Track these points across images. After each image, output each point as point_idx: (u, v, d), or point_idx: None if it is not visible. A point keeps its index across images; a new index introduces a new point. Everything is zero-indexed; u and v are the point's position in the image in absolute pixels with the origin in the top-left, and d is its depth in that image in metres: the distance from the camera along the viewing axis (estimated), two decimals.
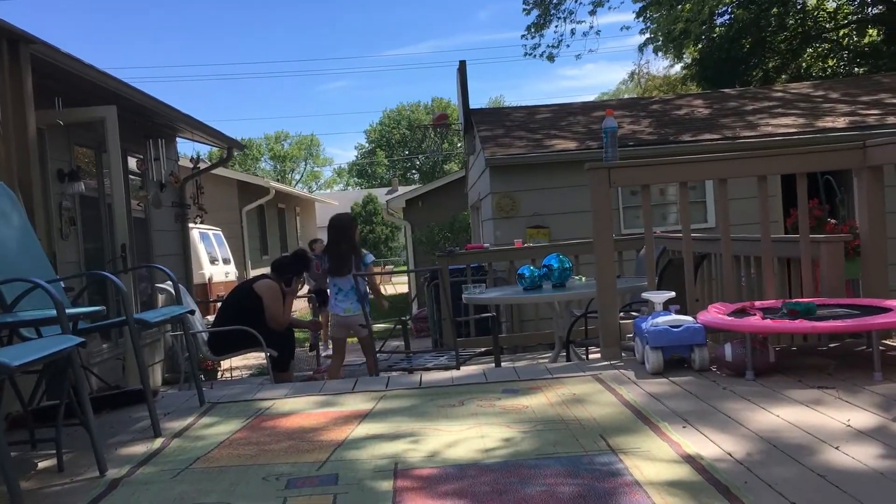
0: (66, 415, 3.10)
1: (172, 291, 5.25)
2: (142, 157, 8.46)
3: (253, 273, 16.56)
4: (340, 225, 6.57)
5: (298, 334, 8.60)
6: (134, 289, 7.10)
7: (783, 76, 22.07)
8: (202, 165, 10.11)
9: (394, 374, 5.37)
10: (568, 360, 5.55)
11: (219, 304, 7.20)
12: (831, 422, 2.91)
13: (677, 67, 27.27)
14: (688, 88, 25.67)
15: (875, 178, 4.37)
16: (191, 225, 10.70)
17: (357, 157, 70.75)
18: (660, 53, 20.95)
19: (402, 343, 6.72)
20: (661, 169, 4.66)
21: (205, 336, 6.26)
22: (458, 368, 5.04)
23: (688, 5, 13.10)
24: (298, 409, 3.82)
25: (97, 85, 6.51)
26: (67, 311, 3.21)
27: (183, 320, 4.20)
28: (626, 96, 40.34)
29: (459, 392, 3.90)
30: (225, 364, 9.90)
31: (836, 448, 2.61)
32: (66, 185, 6.50)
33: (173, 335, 7.60)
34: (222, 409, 3.93)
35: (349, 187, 68.09)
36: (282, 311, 6.37)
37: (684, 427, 2.98)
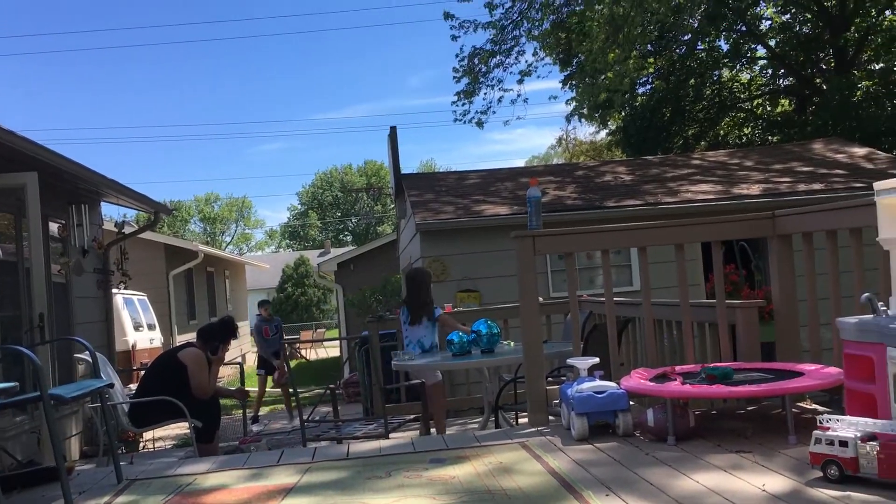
0: None
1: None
2: (64, 222, 8.27)
3: (179, 339, 16.18)
4: (419, 277, 6.61)
5: (224, 402, 8.40)
6: (52, 359, 6.87)
7: (702, 143, 23.00)
8: (127, 230, 9.93)
9: (322, 443, 5.30)
10: (497, 426, 5.56)
11: (142, 373, 7.00)
12: (748, 487, 2.99)
13: (603, 134, 28.20)
14: (613, 154, 26.51)
15: (785, 246, 4.58)
16: (114, 290, 10.44)
17: (289, 218, 70.43)
18: (585, 121, 21.61)
19: (332, 410, 6.64)
20: (584, 237, 4.80)
21: (125, 407, 6.07)
22: (388, 437, 5.00)
23: (610, 74, 13.61)
24: (222, 484, 3.72)
25: (16, 150, 6.39)
26: None
27: (101, 394, 4.08)
28: (555, 161, 41.38)
29: (387, 463, 3.87)
30: (148, 435, 9.57)
31: None
32: None
33: (92, 407, 7.34)
34: (141, 487, 3.81)
35: (281, 249, 67.55)
36: (207, 381, 6.23)
37: (608, 496, 3.02)
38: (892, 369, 3.04)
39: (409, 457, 3.98)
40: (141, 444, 9.36)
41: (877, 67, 21.01)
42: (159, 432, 9.71)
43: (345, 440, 5.09)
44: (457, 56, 17.21)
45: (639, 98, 22.68)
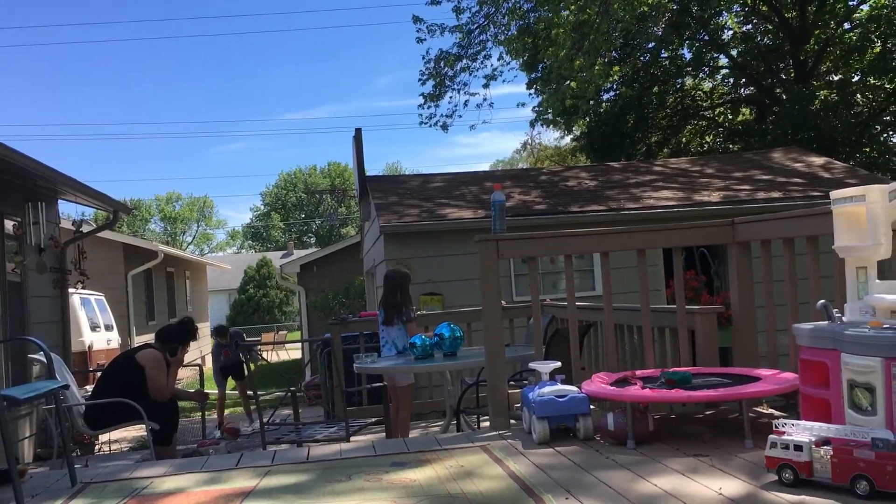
0: None
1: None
2: (19, 220, 8.10)
3: (138, 340, 15.94)
4: (396, 278, 6.51)
5: (183, 404, 8.30)
6: (6, 360, 6.72)
7: (665, 150, 23.28)
8: (85, 229, 9.76)
9: (283, 446, 5.25)
10: (458, 429, 5.56)
11: (99, 374, 6.88)
12: (705, 490, 3.03)
13: (568, 139, 28.42)
14: (578, 159, 26.73)
15: (743, 253, 4.65)
16: (71, 290, 10.25)
17: (252, 219, 69.81)
18: (550, 126, 21.77)
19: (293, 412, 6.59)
20: (547, 242, 4.82)
21: (81, 408, 5.96)
22: (349, 440, 4.97)
23: (573, 83, 13.73)
24: (179, 487, 3.67)
25: None
26: None
27: (56, 395, 4.00)
28: (520, 165, 41.57)
29: (347, 466, 3.85)
30: (104, 437, 9.41)
31: None
32: None
33: (46, 408, 7.20)
34: (95, 490, 3.74)
35: (243, 250, 66.91)
36: (165, 382, 6.15)
37: (567, 499, 3.03)
38: (846, 375, 3.09)
39: (370, 460, 3.96)
40: (97, 447, 9.20)
41: (835, 78, 21.46)
42: (116, 434, 9.55)
43: (305, 443, 5.05)
44: (423, 59, 17.26)
45: (603, 105, 22.91)
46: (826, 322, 3.38)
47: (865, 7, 20.19)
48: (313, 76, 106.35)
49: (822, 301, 3.43)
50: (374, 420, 6.75)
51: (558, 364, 4.30)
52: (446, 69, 17.23)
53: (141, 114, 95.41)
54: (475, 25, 16.51)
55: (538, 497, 3.07)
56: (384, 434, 5.95)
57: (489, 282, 4.57)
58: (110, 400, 5.80)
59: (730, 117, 24.72)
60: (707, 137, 24.74)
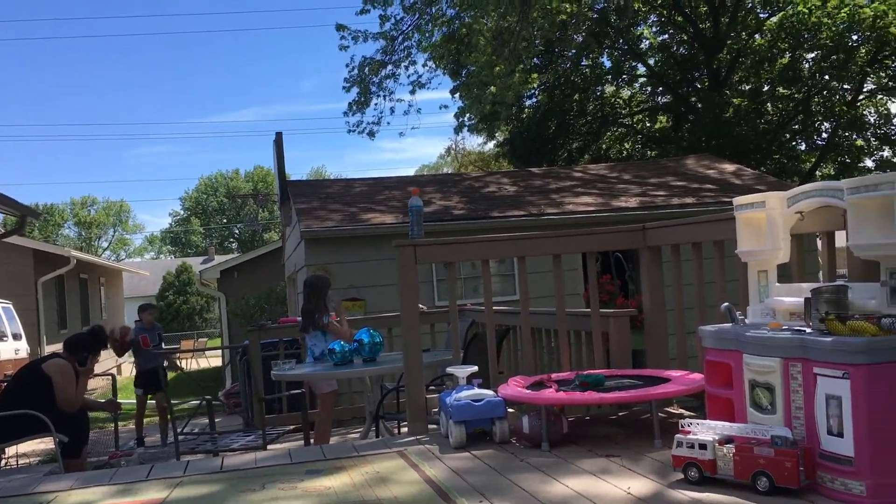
0: None
1: None
2: None
3: (48, 349, 15.35)
4: (314, 283, 6.36)
5: (95, 415, 8.04)
6: None
7: (586, 156, 23.75)
8: None
9: (197, 457, 5.14)
10: (378, 435, 5.54)
11: (3, 385, 6.60)
12: (614, 490, 3.09)
13: (491, 145, 28.69)
14: (500, 165, 27.02)
15: (654, 257, 4.78)
16: None
17: (171, 224, 68.11)
18: (473, 132, 21.93)
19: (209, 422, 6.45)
20: (465, 247, 4.85)
21: None
22: (265, 448, 4.90)
23: (493, 89, 13.88)
24: (85, 501, 3.55)
25: None
26: None
27: None
28: (445, 170, 41.74)
29: (262, 474, 3.79)
30: (11, 450, 9.03)
31: None
32: None
33: None
34: None
35: (162, 255, 65.25)
36: (74, 393, 5.94)
37: (481, 502, 3.06)
38: (747, 375, 3.21)
39: (286, 468, 3.91)
40: (3, 461, 8.83)
41: (746, 88, 22.28)
42: (24, 448, 9.18)
43: (221, 453, 4.95)
44: (347, 66, 17.15)
45: (526, 111, 23.23)
46: (730, 324, 3.50)
47: (775, 18, 21.00)
48: (237, 79, 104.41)
49: (726, 304, 3.55)
50: (292, 427, 6.67)
51: (475, 368, 4.33)
52: (371, 76, 17.18)
53: (54, 115, 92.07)
54: (399, 33, 16.51)
55: (452, 502, 3.08)
56: (302, 442, 5.89)
57: (407, 287, 4.58)
58: (16, 412, 5.57)
59: (647, 125, 25.39)
60: (626, 144, 25.35)
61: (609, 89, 24.79)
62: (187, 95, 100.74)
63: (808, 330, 3.03)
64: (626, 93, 25.59)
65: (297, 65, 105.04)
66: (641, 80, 24.92)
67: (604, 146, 24.75)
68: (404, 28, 16.16)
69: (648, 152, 23.44)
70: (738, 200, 3.61)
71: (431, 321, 7.74)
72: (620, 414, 4.62)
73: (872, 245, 2.88)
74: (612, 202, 11.53)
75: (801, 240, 3.71)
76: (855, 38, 19.55)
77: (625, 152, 24.73)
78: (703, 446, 3.06)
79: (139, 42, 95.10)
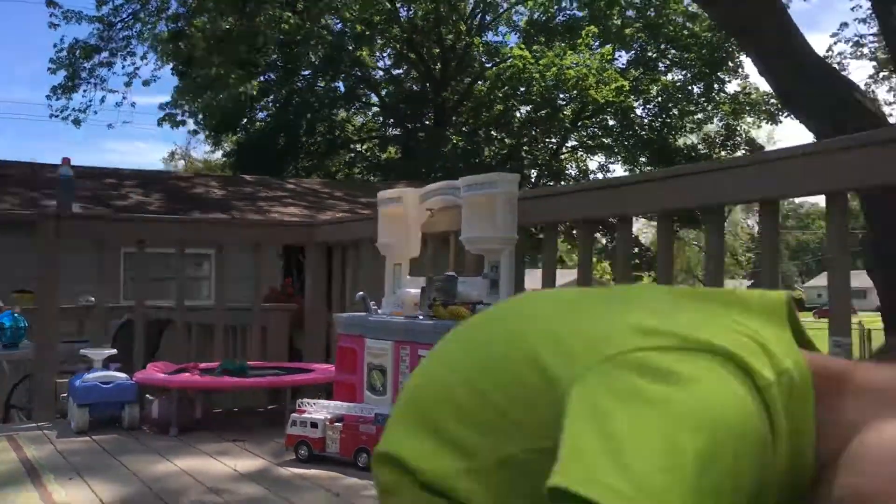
0: None
1: None
2: None
3: None
4: None
5: None
6: None
7: (313, 176, 23.80)
8: None
9: None
10: (4, 422, 5.03)
11: None
12: (223, 468, 3.04)
13: (219, 154, 27.85)
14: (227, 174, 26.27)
15: (319, 254, 4.85)
16: None
17: None
18: (196, 136, 21.16)
19: None
20: (122, 226, 4.60)
21: None
22: None
23: (209, 93, 13.50)
24: None
25: None
26: None
27: None
28: None
29: None
30: None
31: (211, 489, 2.72)
32: None
33: None
34: None
35: None
36: None
37: (71, 479, 2.86)
38: (367, 359, 3.32)
39: None
40: None
41: (464, 129, 23.70)
42: None
43: None
44: (55, 46, 15.79)
45: (257, 123, 22.86)
46: (364, 312, 3.62)
47: (495, 69, 22.62)
48: None
49: (361, 293, 3.68)
50: None
51: (113, 351, 4.10)
52: (82, 60, 15.97)
53: None
54: (118, 19, 15.53)
55: (40, 478, 2.86)
56: None
57: (47, 266, 4.23)
58: None
59: (378, 153, 26.05)
60: (355, 169, 25.78)
61: (343, 114, 25.14)
62: None
63: (422, 316, 3.22)
64: (358, 119, 26.10)
65: (15, 50, 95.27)
66: (374, 109, 25.57)
67: (333, 168, 24.98)
68: (124, 15, 15.23)
69: (372, 178, 24.03)
70: (382, 195, 3.77)
71: (110, 318, 7.22)
72: (270, 407, 4.58)
73: (478, 238, 3.13)
74: (318, 215, 11.61)
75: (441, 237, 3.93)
76: (562, 96, 21.58)
77: (353, 176, 25.14)
78: (314, 425, 3.10)
79: None
